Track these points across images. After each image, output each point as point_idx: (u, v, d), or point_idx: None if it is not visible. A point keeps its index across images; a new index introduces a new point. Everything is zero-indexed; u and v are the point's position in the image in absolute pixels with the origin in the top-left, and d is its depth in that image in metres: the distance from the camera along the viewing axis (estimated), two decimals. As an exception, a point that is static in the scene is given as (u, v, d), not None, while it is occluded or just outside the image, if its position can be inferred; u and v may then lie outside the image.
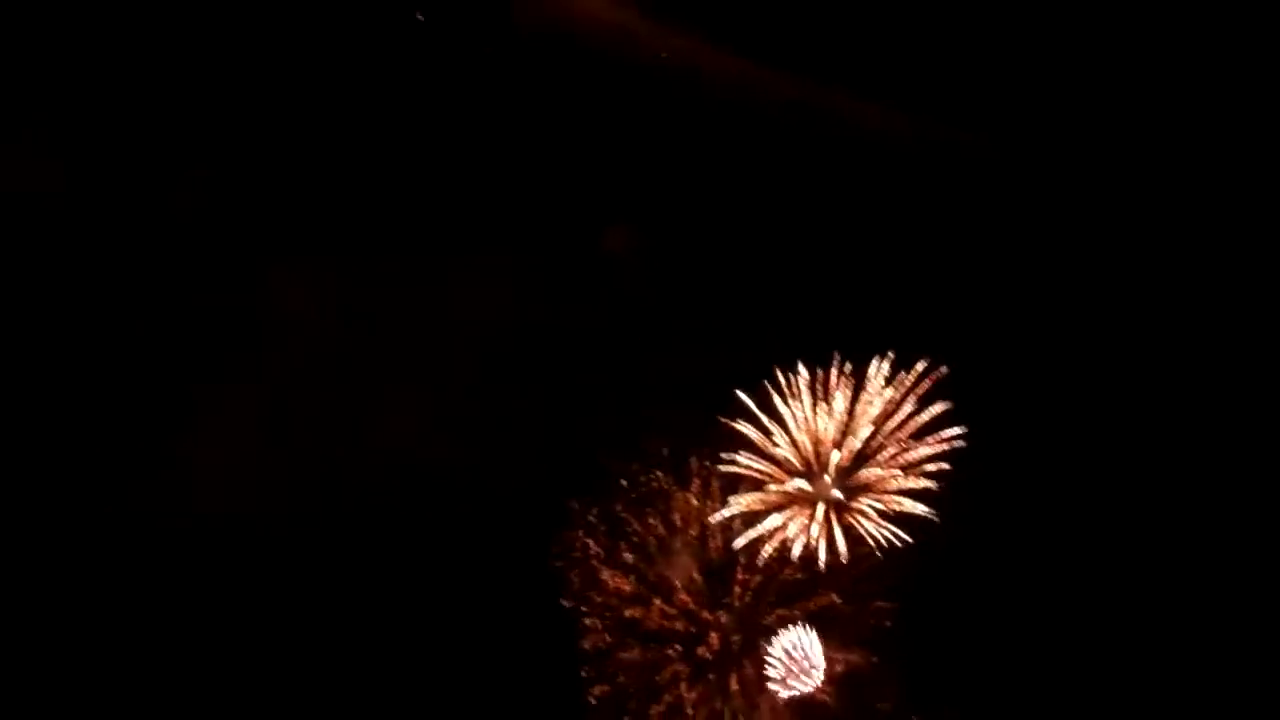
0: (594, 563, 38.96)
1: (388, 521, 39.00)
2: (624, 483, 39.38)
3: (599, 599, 38.72)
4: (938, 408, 36.69)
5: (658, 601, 38.55)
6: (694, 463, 39.00)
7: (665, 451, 39.27)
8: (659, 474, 39.44)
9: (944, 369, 36.72)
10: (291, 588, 37.75)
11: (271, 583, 37.60)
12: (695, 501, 38.94)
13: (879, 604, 37.68)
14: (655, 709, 37.75)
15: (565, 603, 38.66)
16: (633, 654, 38.20)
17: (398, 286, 41.39)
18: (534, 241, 41.27)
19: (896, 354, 36.82)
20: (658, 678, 37.88)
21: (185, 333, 40.48)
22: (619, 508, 39.35)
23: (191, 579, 37.41)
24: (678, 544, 39.03)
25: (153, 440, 39.09)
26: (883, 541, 36.24)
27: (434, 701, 37.94)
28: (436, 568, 38.84)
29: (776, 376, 36.72)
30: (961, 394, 36.57)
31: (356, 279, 41.58)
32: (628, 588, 38.70)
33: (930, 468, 36.67)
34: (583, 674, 38.01)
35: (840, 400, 36.82)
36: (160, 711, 36.55)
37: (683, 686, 37.74)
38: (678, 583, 38.70)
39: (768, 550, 36.53)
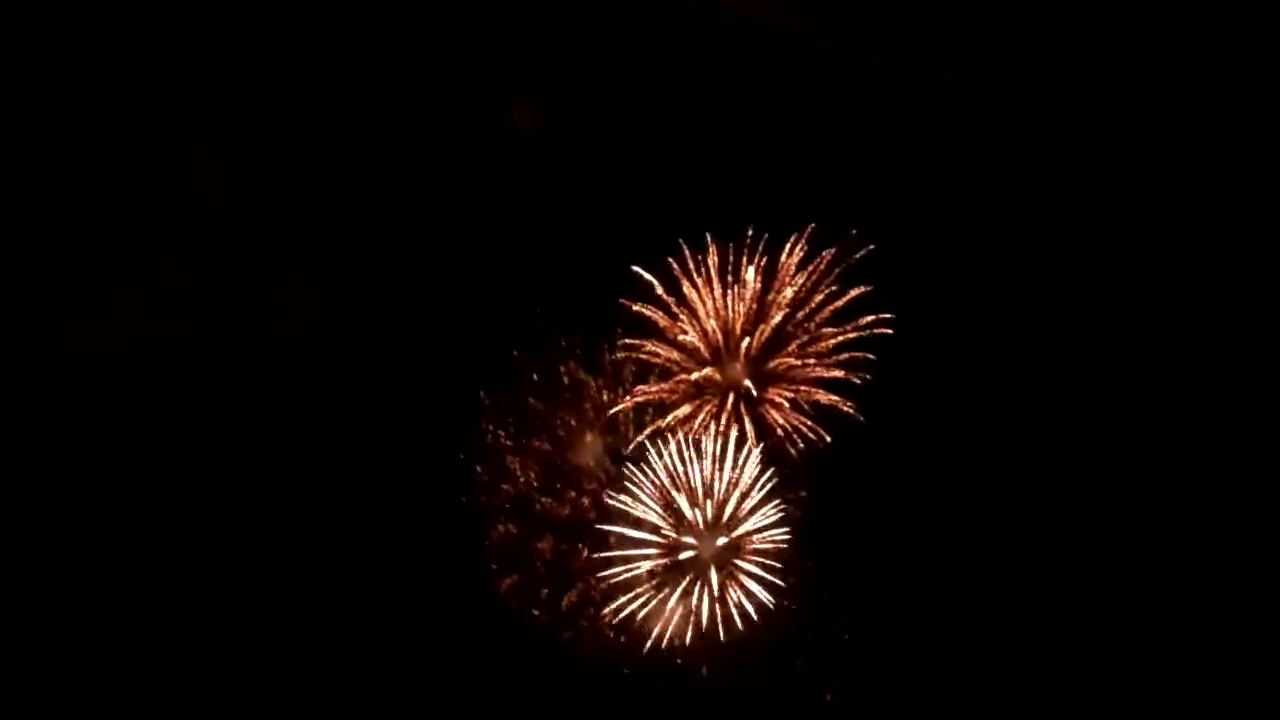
0: (503, 454, 37.67)
1: (287, 409, 37.31)
2: (534, 375, 37.73)
3: (508, 490, 37.56)
4: (857, 291, 34.35)
5: (569, 491, 37.28)
6: (606, 351, 37.19)
7: (577, 340, 37.41)
8: (570, 364, 37.69)
9: (869, 247, 34.22)
10: (185, 476, 36.60)
11: (162, 467, 36.43)
12: (606, 392, 37.23)
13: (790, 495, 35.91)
14: (568, 597, 36.80)
15: (474, 495, 37.50)
16: (543, 544, 37.16)
17: (306, 171, 38.65)
18: (443, 124, 38.34)
19: (816, 231, 34.32)
20: (569, 568, 36.88)
21: (84, 204, 38.04)
22: (529, 399, 37.82)
23: (93, 446, 36.19)
24: (589, 434, 37.45)
25: (48, 312, 37.02)
26: (794, 434, 34.50)
27: (342, 594, 36.96)
28: (339, 463, 37.30)
29: (684, 255, 34.43)
30: (886, 277, 34.17)
31: (267, 158, 38.92)
32: (537, 478, 37.44)
33: (848, 356, 34.58)
34: (492, 566, 37.13)
35: (752, 281, 34.45)
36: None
37: (591, 578, 36.70)
38: (589, 472, 37.32)
39: (673, 441, 34.76)
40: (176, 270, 38.19)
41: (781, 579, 33.80)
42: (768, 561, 33.84)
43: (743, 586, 33.93)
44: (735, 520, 33.77)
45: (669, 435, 34.34)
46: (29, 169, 37.62)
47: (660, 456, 33.73)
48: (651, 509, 33.77)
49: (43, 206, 37.75)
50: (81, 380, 36.64)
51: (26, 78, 37.89)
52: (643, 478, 33.92)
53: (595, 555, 34.92)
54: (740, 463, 33.66)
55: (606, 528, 34.61)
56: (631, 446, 35.97)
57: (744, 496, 33.78)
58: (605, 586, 34.96)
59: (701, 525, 33.59)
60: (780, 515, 33.94)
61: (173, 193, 38.28)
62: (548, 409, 37.48)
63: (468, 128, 38.48)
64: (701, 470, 33.51)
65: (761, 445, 34.02)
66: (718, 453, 33.62)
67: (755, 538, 33.88)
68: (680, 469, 33.63)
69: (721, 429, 34.33)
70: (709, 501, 33.59)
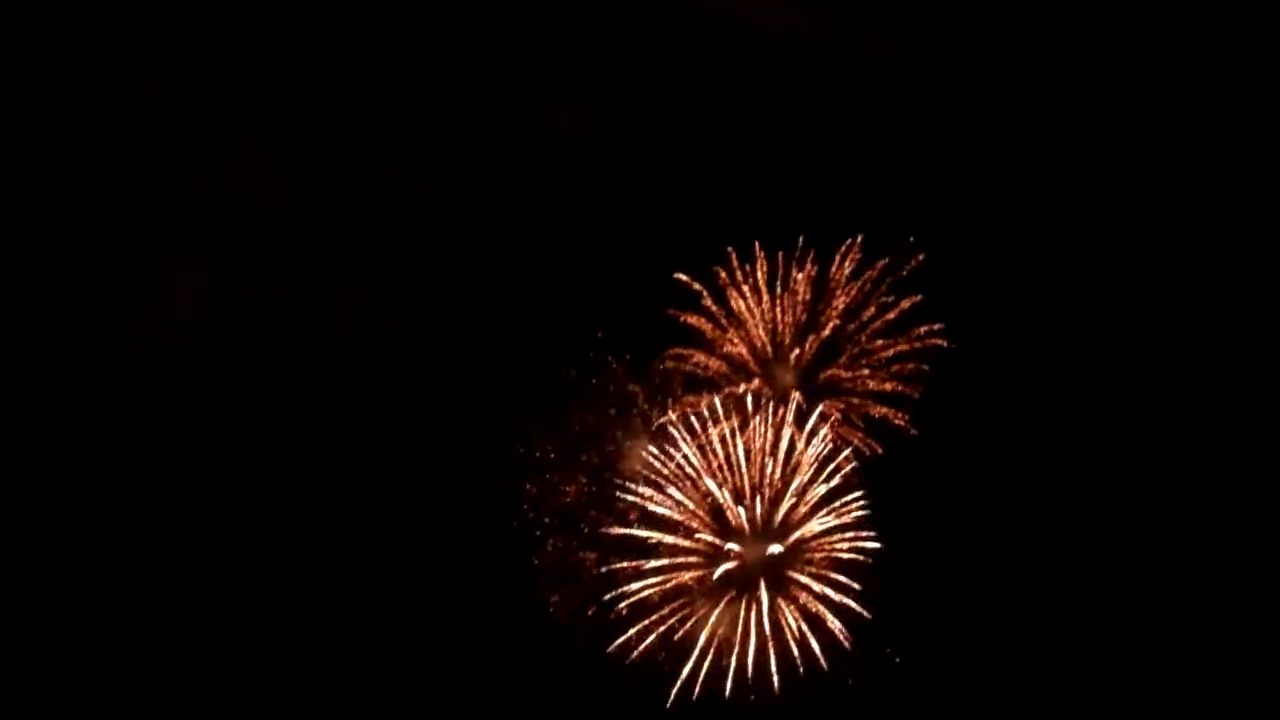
0: (551, 468, 37.35)
1: (328, 423, 37.48)
2: (582, 388, 37.38)
3: (556, 503, 37.20)
4: (909, 301, 33.70)
5: (618, 503, 36.56)
6: (654, 363, 36.83)
7: (625, 355, 37.00)
8: (618, 374, 37.39)
9: (920, 256, 33.55)
10: (229, 494, 36.67)
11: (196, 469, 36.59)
12: (655, 406, 36.59)
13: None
14: (614, 611, 35.69)
15: (524, 511, 37.13)
16: (591, 556, 36.43)
17: (345, 180, 39.12)
18: (483, 137, 38.81)
19: (867, 240, 33.85)
20: (613, 580, 35.94)
21: (130, 211, 38.38)
22: (577, 414, 37.52)
23: (133, 451, 36.32)
24: (637, 445, 36.88)
25: (90, 319, 37.47)
26: (847, 449, 33.38)
27: (386, 608, 36.73)
28: (383, 478, 37.27)
29: (733, 264, 34.16)
30: (939, 287, 33.49)
31: (309, 166, 39.10)
32: (585, 491, 37.01)
33: (902, 369, 33.84)
34: (540, 580, 36.52)
35: (802, 291, 33.97)
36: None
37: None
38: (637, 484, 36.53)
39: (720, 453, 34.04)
40: (209, 277, 38.27)
41: (850, 597, 30.26)
42: (830, 575, 30.43)
43: (798, 606, 31.54)
44: (789, 525, 30.41)
45: (709, 422, 31.71)
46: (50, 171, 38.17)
47: (697, 445, 30.84)
48: (686, 508, 31.30)
49: (71, 208, 37.97)
50: (107, 383, 36.83)
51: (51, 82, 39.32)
52: (675, 470, 31.02)
53: (621, 566, 33.22)
54: (796, 455, 30.34)
55: (624, 531, 31.94)
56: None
57: (801, 495, 30.27)
58: (651, 597, 34.01)
59: (747, 529, 30.67)
60: (850, 518, 30.08)
61: (212, 198, 38.60)
62: (596, 421, 37.32)
63: (509, 140, 38.81)
64: (749, 463, 30.24)
65: (827, 426, 30.64)
66: (769, 444, 30.17)
67: (815, 545, 30.74)
68: (722, 461, 30.68)
69: (774, 419, 31.90)
70: (758, 500, 30.23)
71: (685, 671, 33.09)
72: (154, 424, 36.77)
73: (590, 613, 36.05)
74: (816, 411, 32.46)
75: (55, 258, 37.46)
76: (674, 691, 33.32)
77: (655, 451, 33.11)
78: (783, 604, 32.25)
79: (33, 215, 37.49)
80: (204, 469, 36.98)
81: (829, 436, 33.23)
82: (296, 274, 38.61)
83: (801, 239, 33.96)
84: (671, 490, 32.46)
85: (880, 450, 33.71)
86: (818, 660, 32.24)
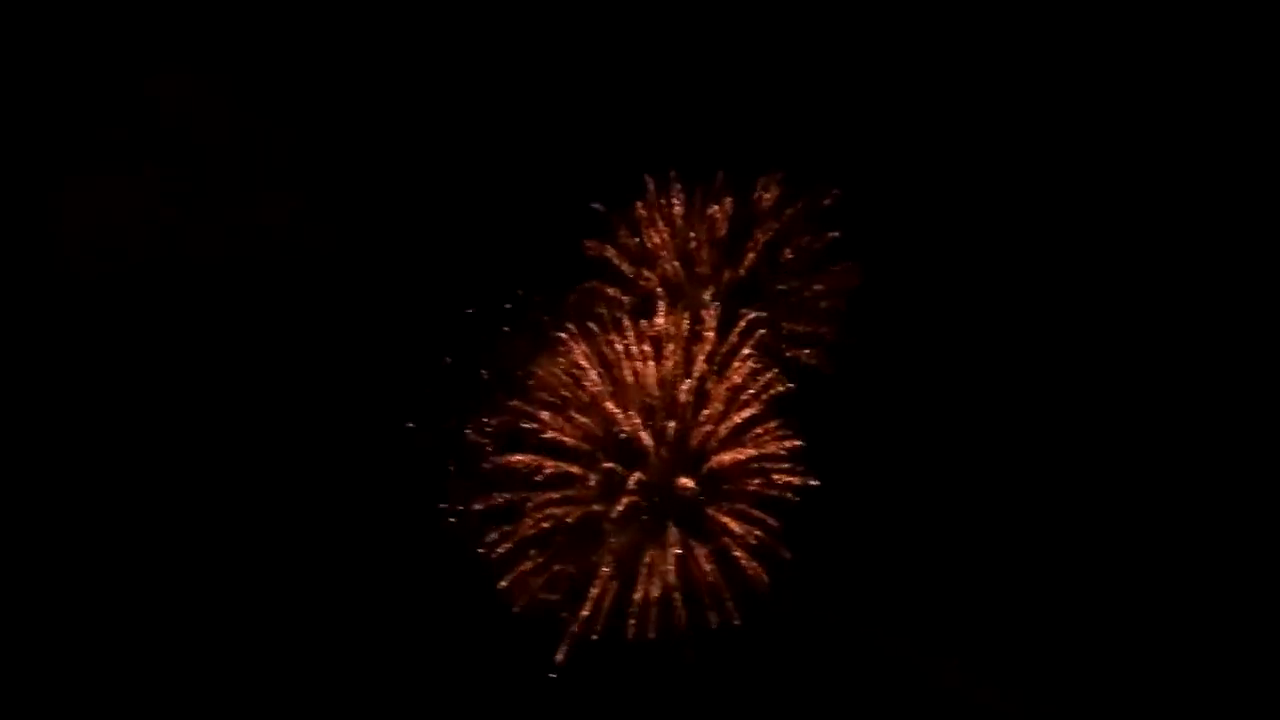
0: (458, 412, 35.99)
1: (258, 337, 36.02)
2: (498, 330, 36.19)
3: (460, 447, 35.83)
4: (815, 240, 33.47)
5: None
6: (569, 296, 35.87)
7: (536, 299, 35.69)
8: (533, 308, 36.30)
9: (835, 192, 33.36)
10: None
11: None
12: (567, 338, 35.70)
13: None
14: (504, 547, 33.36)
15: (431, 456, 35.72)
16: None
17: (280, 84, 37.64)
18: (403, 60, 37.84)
19: (786, 179, 33.65)
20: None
21: (59, 114, 36.40)
22: (489, 355, 36.28)
23: (63, 353, 34.84)
24: (547, 379, 35.65)
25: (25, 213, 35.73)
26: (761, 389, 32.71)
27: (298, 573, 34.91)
28: (296, 436, 35.78)
29: (650, 196, 33.68)
30: (853, 223, 33.23)
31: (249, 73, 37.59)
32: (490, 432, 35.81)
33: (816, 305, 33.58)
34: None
35: (720, 225, 33.58)
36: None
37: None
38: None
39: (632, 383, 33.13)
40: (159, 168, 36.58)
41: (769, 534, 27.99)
42: (756, 514, 28.14)
43: (711, 544, 29.84)
44: (708, 449, 27.53)
45: (623, 354, 29.58)
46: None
47: (609, 375, 27.81)
48: (593, 436, 29.01)
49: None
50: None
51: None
52: (580, 399, 28.11)
53: (512, 498, 31.00)
54: (709, 384, 27.19)
55: (514, 459, 28.73)
56: None
57: (723, 415, 27.39)
58: (543, 533, 32.11)
59: (653, 455, 28.11)
60: (783, 447, 27.18)
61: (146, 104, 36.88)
62: (510, 357, 36.17)
63: (426, 70, 37.83)
64: (662, 393, 27.27)
65: (739, 359, 27.98)
66: (682, 373, 27.04)
67: (730, 477, 28.31)
68: (634, 392, 28.07)
69: (689, 349, 29.64)
70: (671, 424, 27.17)
71: (585, 613, 31.88)
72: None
73: (482, 552, 34.75)
74: (728, 341, 32.04)
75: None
76: (569, 636, 31.41)
77: (563, 378, 32.31)
78: (693, 542, 31.32)
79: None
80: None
81: (743, 369, 32.82)
82: (213, 195, 37.12)
83: (721, 174, 33.81)
84: (576, 416, 31.44)
85: (794, 387, 33.23)
86: (729, 603, 31.16)
